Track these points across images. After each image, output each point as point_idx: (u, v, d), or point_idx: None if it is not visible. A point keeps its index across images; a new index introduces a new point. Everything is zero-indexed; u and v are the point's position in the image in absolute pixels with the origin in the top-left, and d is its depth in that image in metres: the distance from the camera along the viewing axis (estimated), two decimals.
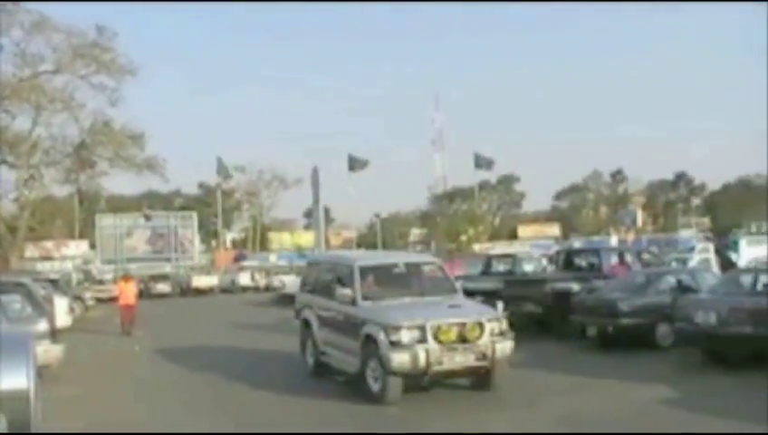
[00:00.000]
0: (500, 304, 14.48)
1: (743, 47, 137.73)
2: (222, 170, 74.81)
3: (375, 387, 12.24)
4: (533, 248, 43.73)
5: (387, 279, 14.00)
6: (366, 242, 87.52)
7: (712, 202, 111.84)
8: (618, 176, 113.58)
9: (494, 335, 12.29)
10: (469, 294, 21.01)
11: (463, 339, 12.00)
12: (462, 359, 12.03)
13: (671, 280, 18.08)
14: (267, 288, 47.27)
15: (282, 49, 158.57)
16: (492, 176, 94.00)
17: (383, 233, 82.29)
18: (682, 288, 17.27)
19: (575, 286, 19.62)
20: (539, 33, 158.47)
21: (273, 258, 68.64)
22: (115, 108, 47.41)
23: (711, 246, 36.37)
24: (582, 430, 10.48)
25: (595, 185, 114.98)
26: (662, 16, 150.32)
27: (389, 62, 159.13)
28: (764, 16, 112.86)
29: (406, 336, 11.86)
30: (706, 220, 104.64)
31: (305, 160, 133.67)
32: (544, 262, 27.80)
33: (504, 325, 12.71)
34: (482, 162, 69.66)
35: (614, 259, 22.44)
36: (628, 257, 22.51)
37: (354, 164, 59.28)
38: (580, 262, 23.64)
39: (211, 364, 17.27)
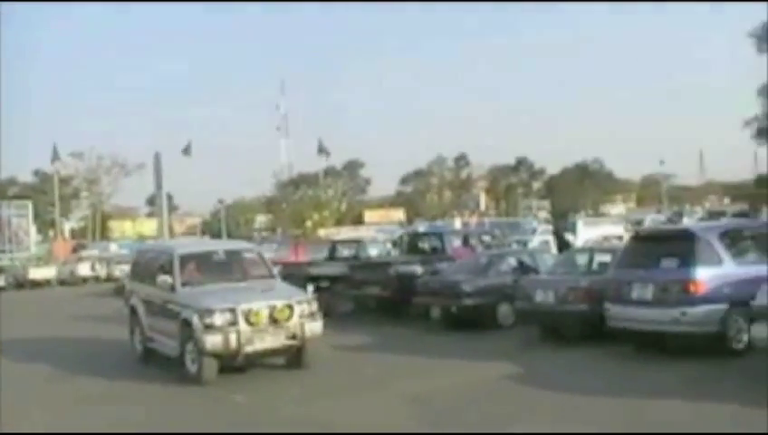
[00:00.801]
0: (310, 287, 15.00)
1: (575, 39, 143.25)
2: (56, 157, 71.88)
3: (192, 368, 12.87)
4: (379, 233, 43.95)
5: (207, 266, 14.73)
6: (211, 229, 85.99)
7: (551, 186, 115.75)
8: (461, 161, 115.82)
9: (303, 317, 13.09)
10: (314, 279, 21.10)
11: (273, 320, 12.79)
12: (272, 339, 12.85)
13: (512, 261, 18.48)
14: (108, 278, 45.74)
15: (127, 29, 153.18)
16: (337, 162, 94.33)
17: (228, 220, 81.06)
18: (523, 269, 17.69)
19: (419, 269, 19.78)
20: (386, 15, 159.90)
21: (114, 247, 66.37)
22: None
23: (550, 228, 37.67)
24: (432, 408, 10.68)
25: (439, 170, 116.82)
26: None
27: (236, 46, 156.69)
28: None
29: (218, 319, 12.53)
30: (546, 203, 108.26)
31: (148, 147, 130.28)
32: (389, 246, 27.95)
33: (314, 307, 13.48)
34: (323, 149, 69.89)
35: (457, 242, 22.77)
36: (472, 240, 22.88)
37: (186, 149, 59.67)
38: (425, 245, 23.92)
39: (44, 356, 16.59)
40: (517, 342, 15.32)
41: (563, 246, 19.79)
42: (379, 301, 20.03)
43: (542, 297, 15.10)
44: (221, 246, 17.54)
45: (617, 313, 13.27)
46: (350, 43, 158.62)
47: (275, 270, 15.63)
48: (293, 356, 13.52)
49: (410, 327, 17.89)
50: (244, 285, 14.12)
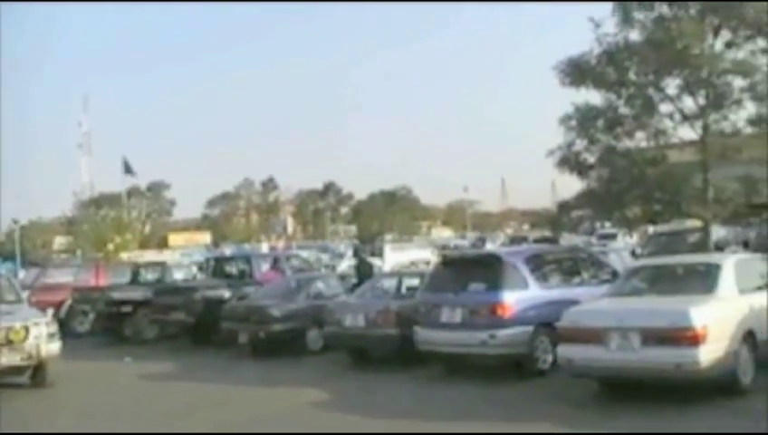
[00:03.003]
0: (50, 310, 16.27)
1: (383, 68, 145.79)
2: None
3: None
4: (184, 256, 42.82)
5: None
6: (4, 251, 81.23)
7: (358, 211, 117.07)
8: (269, 184, 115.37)
9: (39, 338, 13.74)
10: (116, 303, 20.14)
11: (9, 341, 13.40)
12: (7, 359, 13.44)
13: (321, 286, 18.30)
14: None
15: None
16: (142, 182, 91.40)
17: (23, 241, 76.77)
18: (332, 293, 17.52)
19: (226, 294, 19.28)
20: (193, 38, 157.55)
21: None
22: None
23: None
24: None
25: (246, 193, 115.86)
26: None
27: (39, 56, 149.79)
28: None
29: None
30: (353, 228, 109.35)
31: None
32: (195, 270, 27.15)
33: (53, 328, 14.26)
34: (129, 168, 67.46)
35: (265, 266, 22.37)
36: (281, 264, 22.53)
37: None
38: (232, 269, 23.37)
39: None
40: (327, 367, 15.12)
41: (365, 271, 19.39)
42: (184, 326, 19.31)
43: (352, 321, 14.96)
44: None
45: (426, 336, 13.30)
46: (155, 60, 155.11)
47: (24, 295, 16.87)
48: (36, 375, 14.13)
49: (217, 354, 17.34)
50: None
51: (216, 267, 23.98)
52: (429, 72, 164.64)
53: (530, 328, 12.48)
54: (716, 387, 10.12)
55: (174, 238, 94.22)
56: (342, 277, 19.96)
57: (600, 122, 17.00)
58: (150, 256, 49.20)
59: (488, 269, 13.23)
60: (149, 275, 24.08)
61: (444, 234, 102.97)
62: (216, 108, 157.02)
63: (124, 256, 47.90)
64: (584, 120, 16.94)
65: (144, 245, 63.09)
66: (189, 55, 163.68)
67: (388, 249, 39.02)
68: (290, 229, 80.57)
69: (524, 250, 15.88)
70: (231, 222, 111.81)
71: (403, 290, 16.30)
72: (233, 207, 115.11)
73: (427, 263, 29.60)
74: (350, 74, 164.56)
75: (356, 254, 21.96)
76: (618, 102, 17.03)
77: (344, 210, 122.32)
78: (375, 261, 31.98)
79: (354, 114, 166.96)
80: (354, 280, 19.45)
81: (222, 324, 17.61)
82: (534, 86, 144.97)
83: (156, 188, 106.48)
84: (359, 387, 13.23)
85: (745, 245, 17.95)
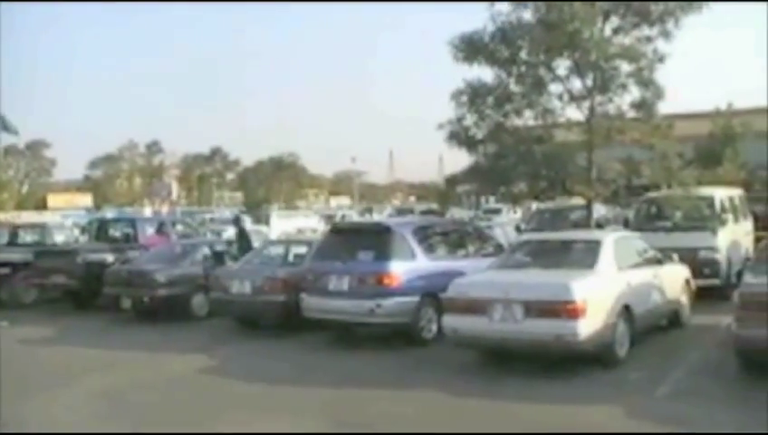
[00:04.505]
0: None
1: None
2: None
3: None
4: (65, 218, 41.60)
5: None
6: None
7: (245, 178, 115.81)
8: (153, 147, 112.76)
9: None
10: None
11: None
12: None
13: (207, 251, 18.12)
14: None
15: None
16: (20, 141, 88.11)
17: None
18: (218, 259, 17.38)
19: (109, 257, 18.91)
20: None
21: None
22: None
23: (248, 219, 37.59)
24: (127, 404, 10.18)
25: (130, 155, 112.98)
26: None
27: None
28: None
29: None
30: (239, 195, 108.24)
31: None
32: (77, 232, 26.46)
33: None
34: (9, 126, 64.82)
35: (150, 230, 21.98)
36: (167, 228, 22.17)
37: None
38: (115, 233, 22.87)
39: None
40: (213, 333, 15.06)
41: (244, 242, 18.80)
42: (65, 290, 18.93)
43: (239, 288, 14.89)
44: None
45: (313, 303, 13.38)
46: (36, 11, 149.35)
47: None
48: None
49: (100, 319, 17.01)
50: None
51: (100, 230, 23.44)
52: (320, 41, 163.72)
53: (416, 298, 12.69)
54: (594, 358, 10.53)
55: (53, 200, 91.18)
56: (229, 243, 19.78)
57: (491, 99, 17.25)
58: (28, 217, 47.66)
59: (377, 239, 13.36)
60: (29, 237, 23.34)
61: (342, 202, 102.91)
62: (100, 62, 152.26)
63: (1, 216, 46.32)
64: (475, 96, 17.17)
65: (21, 205, 60.99)
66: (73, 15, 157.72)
67: (274, 217, 38.88)
68: (174, 194, 78.89)
69: (413, 221, 16.05)
70: (114, 185, 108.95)
71: (290, 258, 16.27)
72: (116, 169, 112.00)
73: (314, 231, 29.66)
74: (245, 35, 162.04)
75: (236, 223, 21.41)
76: (508, 80, 17.30)
77: (230, 177, 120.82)
78: (261, 228, 31.97)
79: (245, 78, 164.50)
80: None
81: (105, 289, 17.28)
82: (427, 60, 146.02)
83: (35, 147, 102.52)
84: (244, 353, 13.21)
85: (625, 223, 18.57)
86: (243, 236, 19.07)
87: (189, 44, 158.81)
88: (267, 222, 37.24)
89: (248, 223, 34.31)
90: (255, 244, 18.88)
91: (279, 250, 17.05)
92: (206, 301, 16.23)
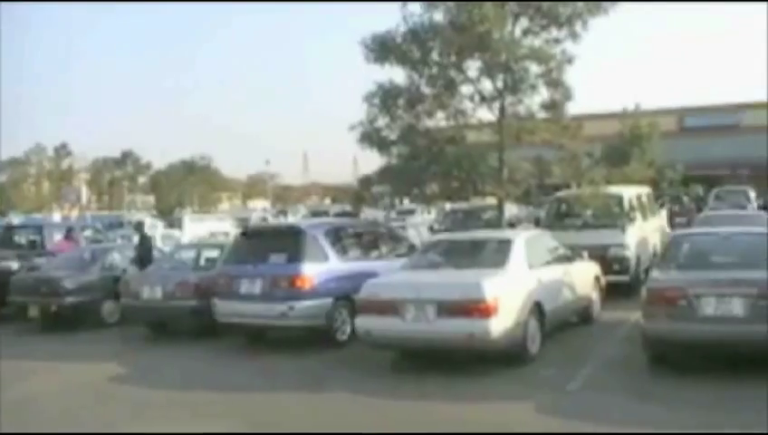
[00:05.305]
0: None
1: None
2: None
3: None
4: None
5: None
6: None
7: (157, 181, 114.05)
8: (62, 150, 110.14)
9: None
10: None
11: None
12: None
13: (117, 256, 17.74)
14: None
15: None
16: None
17: None
18: (146, 265, 16.97)
19: (15, 265, 18.35)
20: None
21: None
22: None
23: (160, 224, 36.98)
24: (41, 412, 9.91)
25: (37, 159, 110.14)
26: None
27: None
28: None
29: None
30: (152, 199, 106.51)
31: None
32: None
33: None
34: None
35: (58, 236, 21.45)
36: (75, 234, 21.66)
37: None
38: (22, 239, 22.25)
39: None
40: (124, 340, 14.75)
41: (145, 249, 18.07)
42: None
43: (149, 293, 14.62)
44: None
45: (226, 308, 13.21)
46: None
47: None
48: None
49: (5, 329, 16.41)
50: None
51: (5, 237, 22.74)
52: (231, 43, 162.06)
53: (329, 300, 12.63)
54: (507, 356, 10.61)
55: None
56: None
57: (402, 101, 17.31)
58: None
59: (289, 241, 13.25)
60: None
61: (259, 205, 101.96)
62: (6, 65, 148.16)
63: None
64: (387, 97, 17.20)
65: None
66: None
67: (187, 220, 38.32)
68: (84, 199, 77.20)
69: (325, 223, 15.96)
70: (20, 190, 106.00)
71: (202, 262, 16.05)
72: (22, 173, 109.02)
73: (227, 234, 29.34)
74: (150, 36, 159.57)
75: (138, 229, 20.64)
76: (420, 81, 17.38)
77: (142, 180, 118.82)
78: (174, 232, 31.48)
79: (153, 79, 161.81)
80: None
81: (10, 298, 16.74)
82: (341, 61, 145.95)
83: None
84: (156, 360, 12.96)
85: (537, 222, 18.85)
86: (143, 243, 18.37)
87: (97, 45, 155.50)
88: (180, 226, 36.66)
89: (160, 227, 33.89)
90: (166, 249, 18.51)
91: (191, 254, 16.80)
92: (116, 308, 15.88)
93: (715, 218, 18.78)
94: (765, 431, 7.72)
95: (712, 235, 12.37)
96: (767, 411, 8.06)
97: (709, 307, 9.56)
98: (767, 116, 47.52)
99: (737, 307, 9.44)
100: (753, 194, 32.97)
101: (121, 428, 9.06)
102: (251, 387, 10.68)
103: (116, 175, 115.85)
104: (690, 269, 10.65)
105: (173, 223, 39.09)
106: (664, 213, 25.32)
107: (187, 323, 14.52)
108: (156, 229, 31.39)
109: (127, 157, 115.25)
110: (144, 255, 17.61)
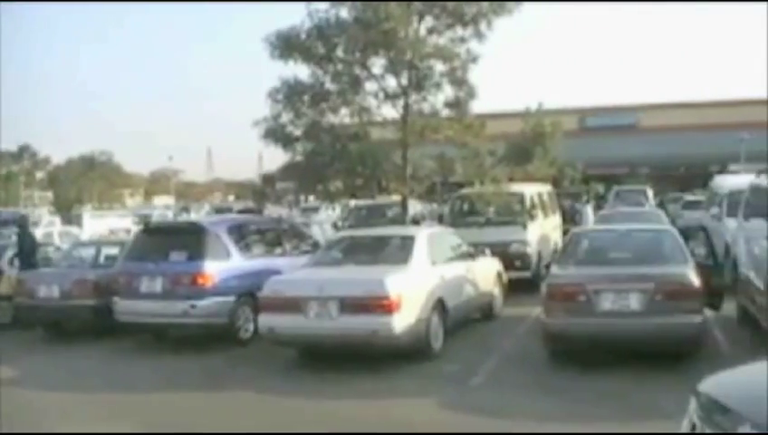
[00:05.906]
0: None
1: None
2: None
3: None
4: None
5: None
6: None
7: (55, 176, 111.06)
8: None
9: None
10: None
11: None
12: None
13: (10, 254, 17.11)
14: None
15: None
16: None
17: None
18: (27, 264, 16.41)
19: None
20: None
21: None
22: None
23: (58, 220, 36.04)
24: None
25: None
26: None
27: None
28: None
29: None
30: (50, 194, 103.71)
31: None
32: None
33: None
34: None
35: None
36: None
37: None
38: None
39: None
40: (18, 342, 14.19)
41: (27, 247, 16.93)
42: None
43: (46, 292, 14.19)
44: None
45: (126, 306, 12.93)
46: None
47: None
48: None
49: None
50: None
51: None
52: (135, 38, 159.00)
53: (232, 298, 12.49)
54: (410, 352, 10.65)
55: None
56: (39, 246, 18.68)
57: (307, 97, 17.22)
58: None
59: (190, 238, 13.07)
60: None
61: (162, 201, 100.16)
62: None
63: None
64: (291, 93, 17.08)
65: None
66: None
67: (87, 217, 37.47)
68: None
69: (227, 220, 15.73)
70: None
71: (101, 259, 15.65)
72: None
73: (128, 231, 28.79)
74: (50, 27, 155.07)
75: (20, 225, 19.12)
76: (324, 78, 17.31)
77: (40, 175, 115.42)
78: (72, 229, 30.69)
79: (52, 71, 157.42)
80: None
81: None
82: (246, 57, 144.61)
83: None
84: (53, 362, 12.60)
85: (440, 219, 19.00)
86: (24, 240, 17.20)
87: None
88: (79, 223, 35.80)
89: (57, 224, 33.01)
90: (64, 246, 17.95)
91: (90, 252, 16.35)
92: (9, 307, 15.31)
93: (615, 216, 19.25)
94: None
95: (610, 231, 12.71)
96: (667, 400, 7.91)
97: (607, 302, 9.79)
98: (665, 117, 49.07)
99: (634, 302, 9.70)
100: (650, 192, 34.04)
101: (6, 430, 8.72)
102: (151, 387, 10.50)
103: (12, 169, 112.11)
104: (589, 265, 10.90)
105: (72, 220, 38.16)
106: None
107: (86, 323, 14.13)
108: (53, 226, 30.60)
109: (24, 151, 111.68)
110: (28, 253, 16.74)
